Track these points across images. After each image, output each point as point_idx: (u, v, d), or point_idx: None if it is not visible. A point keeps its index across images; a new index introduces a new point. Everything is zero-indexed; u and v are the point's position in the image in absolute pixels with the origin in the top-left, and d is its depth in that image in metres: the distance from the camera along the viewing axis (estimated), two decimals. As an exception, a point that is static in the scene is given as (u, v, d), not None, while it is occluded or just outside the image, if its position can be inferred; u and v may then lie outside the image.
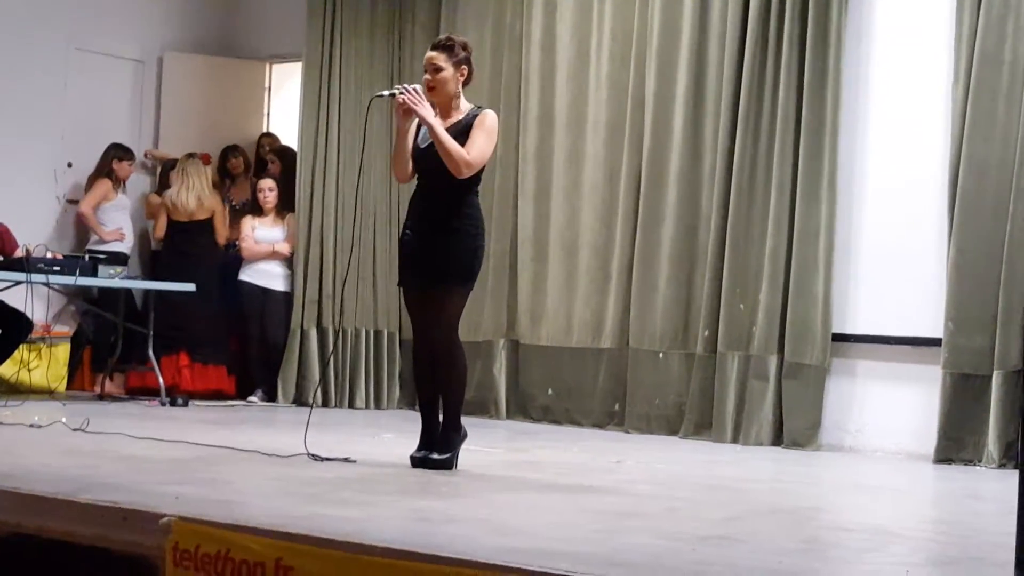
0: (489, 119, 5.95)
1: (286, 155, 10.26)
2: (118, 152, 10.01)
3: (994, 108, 7.57)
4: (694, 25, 8.61)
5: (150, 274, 10.26)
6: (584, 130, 9.09)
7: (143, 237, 10.59)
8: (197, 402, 9.25)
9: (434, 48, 6.01)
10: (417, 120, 6.06)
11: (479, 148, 5.87)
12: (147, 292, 9.59)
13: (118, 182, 10.03)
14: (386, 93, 6.06)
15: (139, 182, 10.64)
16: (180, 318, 9.59)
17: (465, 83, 6.01)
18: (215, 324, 9.84)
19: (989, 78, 7.57)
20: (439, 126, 5.84)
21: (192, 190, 9.87)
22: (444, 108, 6.00)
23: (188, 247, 9.91)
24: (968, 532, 4.99)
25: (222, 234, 10.03)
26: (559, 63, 9.22)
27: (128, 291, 9.68)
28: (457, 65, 5.95)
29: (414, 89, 5.88)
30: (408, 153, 5.99)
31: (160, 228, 10.03)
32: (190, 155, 10.07)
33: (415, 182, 6.11)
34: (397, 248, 6.11)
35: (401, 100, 5.84)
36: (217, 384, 9.77)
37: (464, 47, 6.00)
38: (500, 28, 9.50)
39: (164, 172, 10.43)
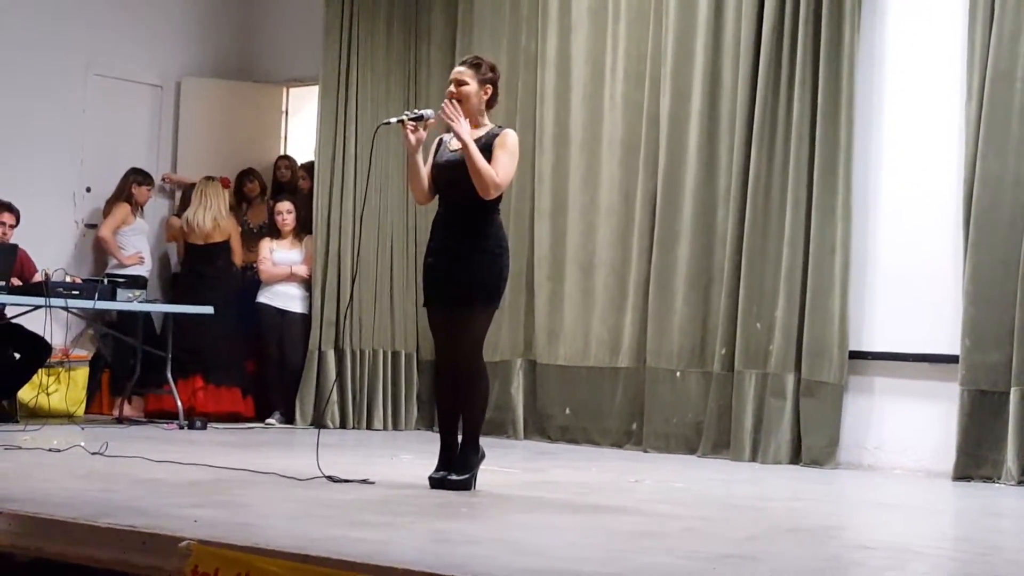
0: (511, 139, 5.95)
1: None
2: (137, 177, 10.08)
3: (1007, 124, 7.57)
4: (708, 45, 8.63)
5: (169, 297, 10.30)
6: (599, 150, 9.11)
7: (162, 261, 10.65)
8: (215, 425, 9.28)
9: (462, 64, 6.05)
10: (436, 142, 6.09)
11: (504, 168, 5.88)
12: (165, 315, 9.63)
13: (137, 206, 10.09)
14: (393, 120, 6.04)
15: (157, 206, 10.70)
16: (195, 341, 9.64)
17: (489, 104, 6.03)
18: (230, 347, 9.87)
19: (1002, 95, 7.57)
20: (473, 145, 5.85)
21: (209, 210, 9.94)
22: None
23: (205, 269, 9.98)
24: (988, 549, 4.97)
25: (239, 254, 10.08)
26: (574, 83, 9.25)
27: (147, 314, 9.73)
28: (482, 83, 5.97)
29: (450, 103, 5.88)
30: (423, 176, 6.00)
31: (182, 250, 10.12)
32: (209, 177, 10.14)
33: (436, 202, 6.12)
34: (422, 269, 6.11)
35: (442, 109, 5.85)
36: (231, 406, 9.80)
37: (492, 68, 6.03)
38: (515, 49, 9.53)
39: (185, 196, 10.48)
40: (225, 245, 10.03)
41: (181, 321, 9.49)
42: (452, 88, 5.97)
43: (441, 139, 6.14)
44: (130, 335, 9.64)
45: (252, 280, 10.03)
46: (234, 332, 9.89)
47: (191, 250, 10.06)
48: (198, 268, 10.02)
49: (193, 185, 10.31)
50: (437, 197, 6.07)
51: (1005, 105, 7.57)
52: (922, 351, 7.93)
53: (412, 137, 5.93)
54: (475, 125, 5.98)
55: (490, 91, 6.01)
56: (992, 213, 7.57)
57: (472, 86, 5.96)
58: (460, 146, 5.90)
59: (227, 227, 10.02)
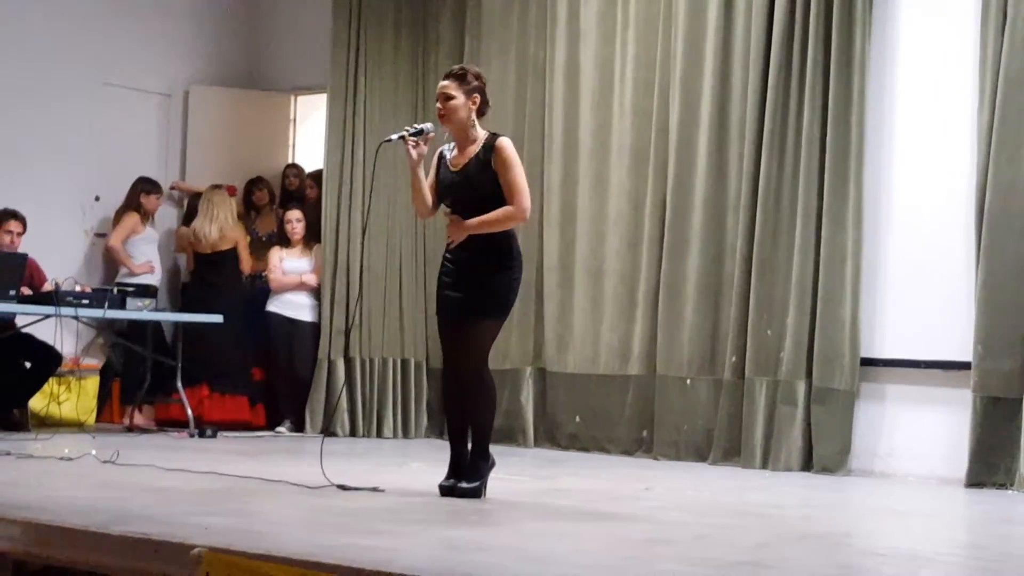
0: (508, 151, 5.93)
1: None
2: (145, 186, 10.09)
3: (1020, 130, 7.54)
4: (717, 52, 8.62)
5: (178, 307, 10.31)
6: (608, 158, 9.10)
7: (172, 270, 10.66)
8: (225, 433, 9.27)
9: (446, 77, 6.04)
10: (436, 157, 6.11)
11: (520, 190, 5.89)
12: (176, 324, 9.64)
13: (146, 215, 10.10)
14: (394, 137, 6.06)
15: (166, 215, 10.72)
16: (201, 350, 9.63)
17: (479, 113, 6.02)
18: (237, 355, 9.88)
19: (1014, 101, 7.55)
20: (479, 226, 5.86)
21: (215, 221, 9.94)
22: (459, 138, 6.02)
23: (213, 278, 9.99)
24: (1001, 556, 4.96)
25: (246, 262, 10.09)
26: (583, 92, 9.24)
27: (157, 323, 9.73)
28: (469, 94, 5.97)
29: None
30: (425, 191, 6.03)
31: (191, 260, 10.13)
32: (216, 186, 10.15)
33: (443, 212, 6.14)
34: (437, 279, 6.13)
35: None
36: (237, 415, 9.79)
37: (477, 77, 6.01)
38: (524, 57, 9.53)
39: (190, 205, 10.49)
40: (232, 253, 10.03)
41: (189, 330, 9.49)
42: (439, 104, 5.97)
43: (441, 152, 6.14)
44: (140, 344, 9.64)
45: (261, 288, 10.04)
46: (242, 340, 9.89)
47: (199, 259, 10.07)
48: (206, 277, 10.04)
49: (199, 194, 10.32)
50: (450, 209, 6.08)
51: (1017, 111, 7.54)
52: (934, 358, 7.91)
53: (414, 152, 5.96)
54: (468, 137, 5.99)
55: (478, 100, 5.99)
56: (1004, 219, 7.55)
57: (459, 99, 5.96)
58: (461, 164, 5.98)
59: (233, 235, 10.02)
